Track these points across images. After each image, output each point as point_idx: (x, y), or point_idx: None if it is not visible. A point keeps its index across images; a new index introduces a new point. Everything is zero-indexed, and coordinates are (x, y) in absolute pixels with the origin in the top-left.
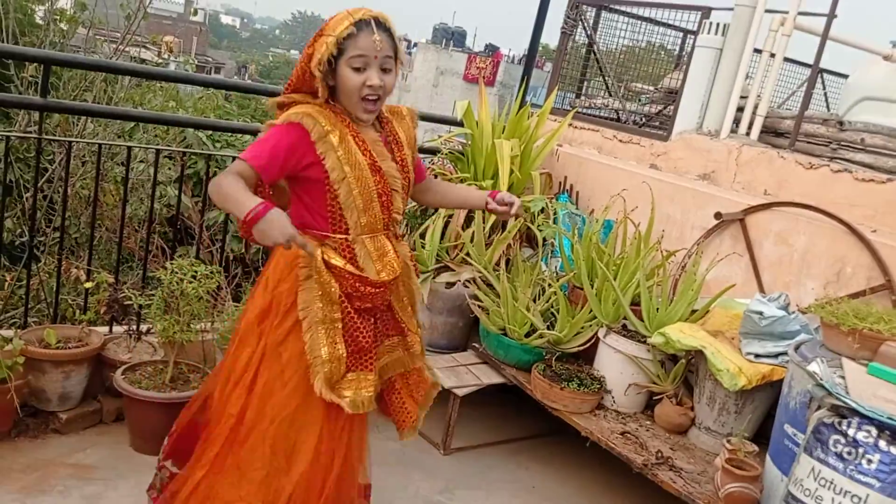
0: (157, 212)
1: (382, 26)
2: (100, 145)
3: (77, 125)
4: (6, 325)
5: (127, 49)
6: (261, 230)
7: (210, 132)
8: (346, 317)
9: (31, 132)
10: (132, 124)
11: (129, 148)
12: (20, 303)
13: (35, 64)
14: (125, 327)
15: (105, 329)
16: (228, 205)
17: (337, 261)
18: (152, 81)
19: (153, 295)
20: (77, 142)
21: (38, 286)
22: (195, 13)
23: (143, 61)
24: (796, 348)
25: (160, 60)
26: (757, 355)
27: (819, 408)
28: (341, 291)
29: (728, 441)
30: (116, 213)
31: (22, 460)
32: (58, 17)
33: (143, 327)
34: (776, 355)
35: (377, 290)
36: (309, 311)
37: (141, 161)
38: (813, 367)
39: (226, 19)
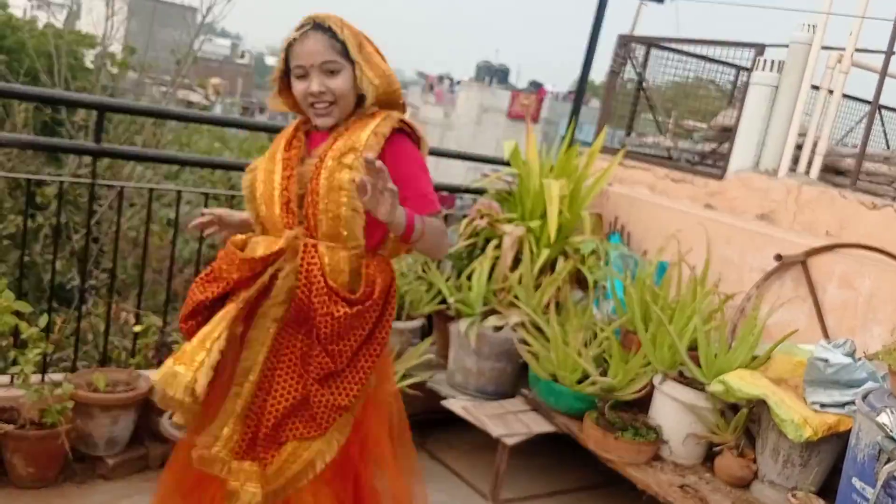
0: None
1: (321, 28)
2: (151, 189)
3: (126, 167)
4: (54, 367)
5: (175, 92)
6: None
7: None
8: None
9: (80, 175)
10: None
11: (179, 192)
12: (66, 343)
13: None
14: None
15: (152, 372)
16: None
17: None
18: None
19: None
20: (129, 186)
21: (86, 328)
22: (242, 56)
23: (190, 103)
24: (864, 397)
25: (207, 103)
26: (822, 405)
27: (889, 461)
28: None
29: (793, 495)
30: (162, 254)
31: None
32: (108, 62)
33: None
34: (843, 405)
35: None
36: None
37: (187, 202)
38: (882, 417)
39: (270, 60)
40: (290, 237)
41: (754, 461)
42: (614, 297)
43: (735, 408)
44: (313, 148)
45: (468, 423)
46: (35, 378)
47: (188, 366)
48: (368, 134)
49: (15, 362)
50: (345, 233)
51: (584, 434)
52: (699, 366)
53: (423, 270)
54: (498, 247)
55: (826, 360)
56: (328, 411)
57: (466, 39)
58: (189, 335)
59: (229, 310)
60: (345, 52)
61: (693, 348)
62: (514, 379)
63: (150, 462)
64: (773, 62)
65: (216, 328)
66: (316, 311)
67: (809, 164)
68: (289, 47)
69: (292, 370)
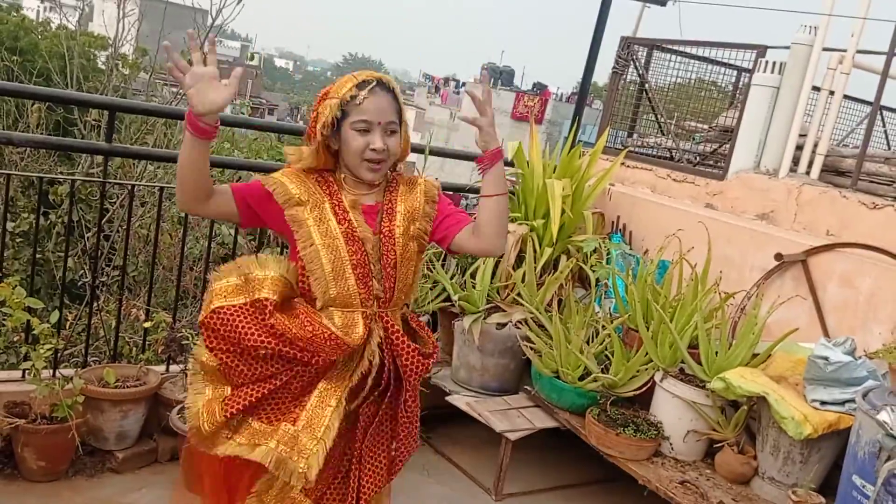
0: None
1: (386, 87)
2: (161, 188)
3: (137, 166)
4: (65, 362)
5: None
6: (191, 94)
7: (263, 174)
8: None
9: (92, 174)
10: None
11: None
12: (77, 339)
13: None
14: (181, 366)
15: (162, 368)
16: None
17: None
18: None
19: None
20: (139, 185)
21: (97, 324)
22: (251, 58)
23: None
24: (864, 395)
25: None
26: (823, 402)
27: (889, 458)
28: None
29: (793, 492)
30: (172, 252)
31: (78, 500)
32: (120, 63)
33: None
34: (843, 402)
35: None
36: None
37: None
38: (882, 415)
39: (279, 62)
40: (372, 314)
41: (755, 458)
42: (616, 295)
43: (735, 405)
44: (369, 218)
45: (472, 418)
46: (46, 373)
47: (300, 455)
48: (421, 203)
49: (27, 357)
50: (406, 299)
51: (586, 430)
52: (700, 363)
53: (429, 269)
54: None
55: (826, 359)
56: (404, 457)
57: (472, 41)
58: (227, 371)
59: (334, 396)
60: (399, 116)
61: (694, 346)
62: (517, 375)
63: (160, 456)
64: (774, 63)
65: (324, 417)
66: (407, 373)
67: (810, 164)
68: (350, 100)
69: (378, 444)
